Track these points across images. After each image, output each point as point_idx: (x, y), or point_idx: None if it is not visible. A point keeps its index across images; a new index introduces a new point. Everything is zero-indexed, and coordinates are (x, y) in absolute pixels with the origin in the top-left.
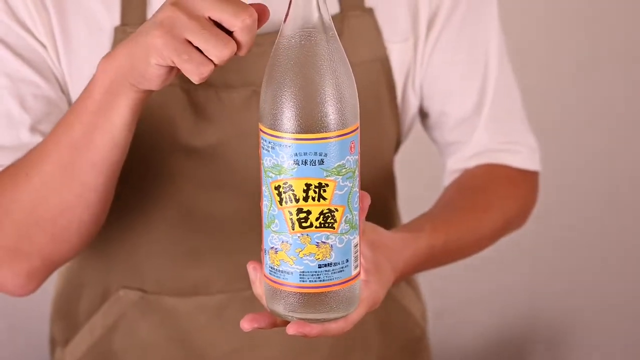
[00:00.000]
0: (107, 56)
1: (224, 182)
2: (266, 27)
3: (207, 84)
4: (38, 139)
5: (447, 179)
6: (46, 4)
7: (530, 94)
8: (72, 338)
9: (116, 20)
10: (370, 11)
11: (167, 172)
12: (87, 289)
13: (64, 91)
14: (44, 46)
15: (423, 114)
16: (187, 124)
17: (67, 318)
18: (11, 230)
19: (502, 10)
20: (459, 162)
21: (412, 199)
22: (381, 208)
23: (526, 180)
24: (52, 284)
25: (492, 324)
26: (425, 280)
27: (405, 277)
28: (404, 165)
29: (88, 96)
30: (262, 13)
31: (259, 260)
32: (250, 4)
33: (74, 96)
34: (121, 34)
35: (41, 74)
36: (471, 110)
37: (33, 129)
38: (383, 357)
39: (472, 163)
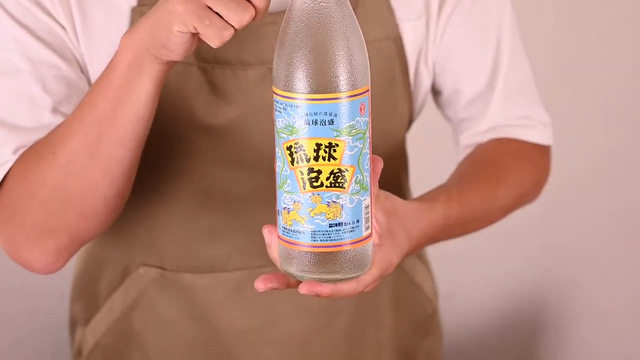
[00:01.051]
0: (128, 31)
1: (242, 159)
2: (280, 5)
3: (223, 62)
4: (60, 120)
5: (461, 155)
6: None
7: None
8: (93, 317)
9: (133, 1)
10: None
11: (185, 151)
12: (107, 268)
13: (83, 72)
14: (63, 28)
15: (435, 92)
16: (204, 102)
17: (87, 297)
18: (39, 208)
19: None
20: (472, 137)
21: (425, 184)
22: (394, 184)
23: (539, 154)
24: (71, 263)
25: (502, 306)
26: (436, 261)
27: (421, 247)
28: (417, 149)
29: (111, 72)
30: None
31: (274, 224)
32: None
33: (93, 77)
34: (138, 15)
35: (62, 56)
36: (484, 87)
37: (55, 110)
38: (397, 335)
39: (485, 138)
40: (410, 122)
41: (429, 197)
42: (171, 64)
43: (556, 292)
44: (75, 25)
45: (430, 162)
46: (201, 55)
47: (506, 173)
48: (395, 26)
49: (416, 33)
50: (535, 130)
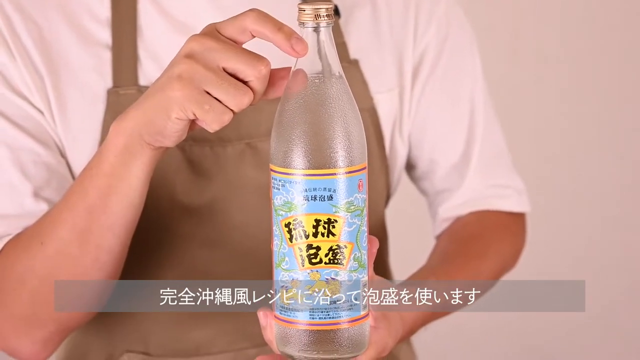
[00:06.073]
0: (119, 118)
1: (222, 240)
2: None
3: (201, 139)
4: (41, 205)
5: (439, 228)
6: (40, 72)
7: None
8: None
9: (108, 83)
10: (355, 62)
11: (167, 233)
12: (91, 356)
13: (62, 155)
14: (41, 112)
15: (410, 166)
16: (184, 182)
17: None
18: (27, 298)
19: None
20: (450, 209)
21: (402, 253)
22: (377, 263)
23: (516, 223)
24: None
25: None
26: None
27: (413, 333)
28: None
29: (102, 159)
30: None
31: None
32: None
33: (71, 159)
34: (114, 96)
35: (40, 141)
36: (460, 157)
37: (36, 195)
38: None
39: (464, 211)
40: (388, 196)
41: (418, 281)
42: (162, 150)
43: None
44: (52, 109)
45: (407, 237)
46: None
47: (488, 248)
48: (369, 99)
49: (390, 104)
50: (511, 200)
